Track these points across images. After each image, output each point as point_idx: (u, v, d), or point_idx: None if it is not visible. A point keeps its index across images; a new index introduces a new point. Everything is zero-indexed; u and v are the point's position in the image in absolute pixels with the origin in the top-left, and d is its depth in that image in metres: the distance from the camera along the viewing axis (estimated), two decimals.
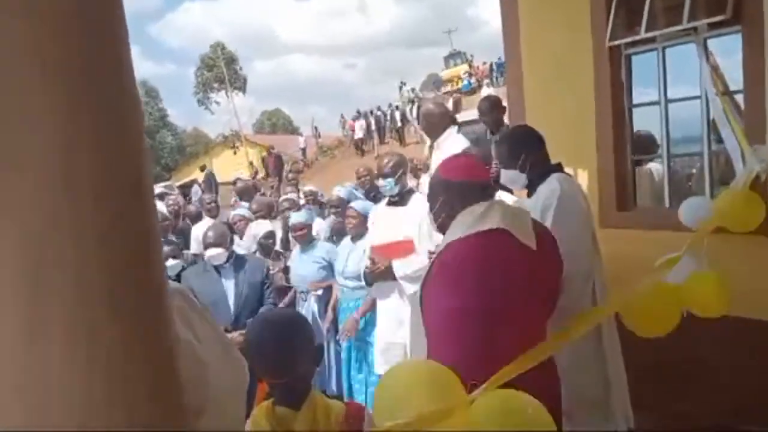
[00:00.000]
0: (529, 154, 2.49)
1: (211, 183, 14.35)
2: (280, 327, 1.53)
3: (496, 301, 1.64)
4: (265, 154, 22.70)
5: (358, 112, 25.24)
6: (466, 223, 1.75)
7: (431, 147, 3.93)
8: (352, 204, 3.97)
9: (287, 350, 1.48)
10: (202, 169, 18.51)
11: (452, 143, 3.63)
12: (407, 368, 1.39)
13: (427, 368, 1.33)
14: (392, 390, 1.26)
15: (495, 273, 1.67)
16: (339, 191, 5.36)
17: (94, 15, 0.57)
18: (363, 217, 3.74)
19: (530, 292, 1.74)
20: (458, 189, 1.87)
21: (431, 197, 1.98)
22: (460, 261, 1.70)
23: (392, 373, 1.32)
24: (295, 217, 4.30)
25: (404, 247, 3.10)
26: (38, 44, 0.53)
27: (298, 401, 1.51)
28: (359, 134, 24.37)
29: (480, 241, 1.70)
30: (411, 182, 4.30)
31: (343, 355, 3.78)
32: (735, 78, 2.98)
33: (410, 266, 3.00)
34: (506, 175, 2.62)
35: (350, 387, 3.68)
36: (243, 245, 4.49)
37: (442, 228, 1.90)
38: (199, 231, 4.95)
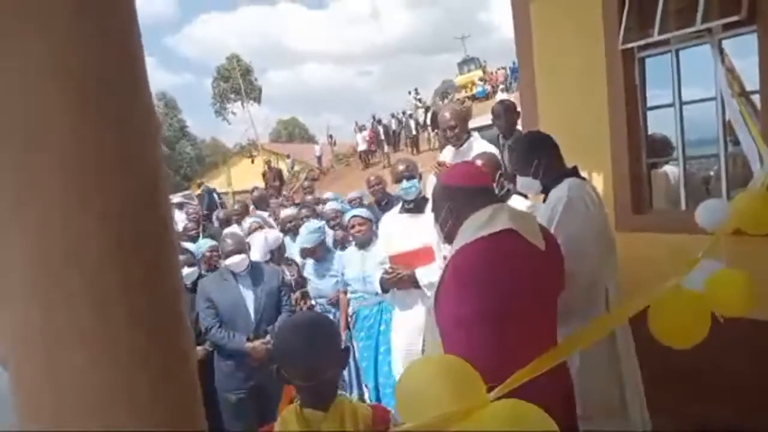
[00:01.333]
0: (542, 159, 2.48)
1: (204, 199, 11.63)
2: (309, 330, 1.56)
3: (507, 304, 1.65)
4: (265, 168, 21.58)
5: (373, 117, 25.08)
6: (474, 227, 1.76)
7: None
8: (357, 212, 3.99)
9: (316, 353, 1.50)
10: (200, 185, 16.40)
11: (478, 148, 3.64)
12: (427, 363, 1.40)
13: (447, 362, 1.35)
14: (413, 387, 1.28)
15: (505, 275, 1.68)
16: (331, 204, 5.47)
17: (112, 31, 0.60)
18: (371, 223, 3.76)
19: (540, 290, 1.75)
20: (463, 194, 1.87)
21: (436, 207, 1.98)
22: (471, 265, 1.71)
23: (413, 368, 1.34)
24: (304, 242, 4.31)
25: (426, 255, 3.09)
26: (57, 60, 0.56)
27: (326, 403, 1.53)
28: (362, 146, 23.76)
29: (489, 244, 1.71)
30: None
31: (365, 363, 3.78)
32: (751, 78, 2.95)
33: (435, 273, 2.98)
34: (521, 182, 2.62)
35: (377, 393, 3.68)
36: (254, 253, 4.52)
37: (449, 237, 1.90)
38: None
